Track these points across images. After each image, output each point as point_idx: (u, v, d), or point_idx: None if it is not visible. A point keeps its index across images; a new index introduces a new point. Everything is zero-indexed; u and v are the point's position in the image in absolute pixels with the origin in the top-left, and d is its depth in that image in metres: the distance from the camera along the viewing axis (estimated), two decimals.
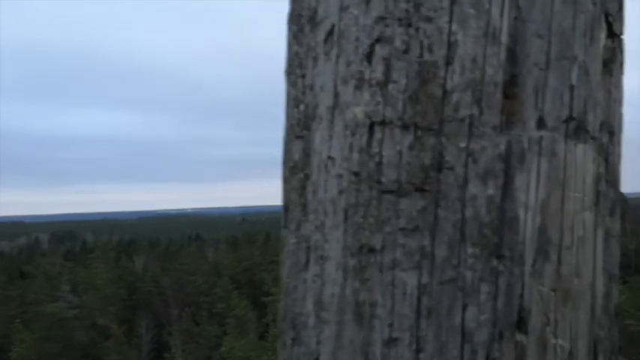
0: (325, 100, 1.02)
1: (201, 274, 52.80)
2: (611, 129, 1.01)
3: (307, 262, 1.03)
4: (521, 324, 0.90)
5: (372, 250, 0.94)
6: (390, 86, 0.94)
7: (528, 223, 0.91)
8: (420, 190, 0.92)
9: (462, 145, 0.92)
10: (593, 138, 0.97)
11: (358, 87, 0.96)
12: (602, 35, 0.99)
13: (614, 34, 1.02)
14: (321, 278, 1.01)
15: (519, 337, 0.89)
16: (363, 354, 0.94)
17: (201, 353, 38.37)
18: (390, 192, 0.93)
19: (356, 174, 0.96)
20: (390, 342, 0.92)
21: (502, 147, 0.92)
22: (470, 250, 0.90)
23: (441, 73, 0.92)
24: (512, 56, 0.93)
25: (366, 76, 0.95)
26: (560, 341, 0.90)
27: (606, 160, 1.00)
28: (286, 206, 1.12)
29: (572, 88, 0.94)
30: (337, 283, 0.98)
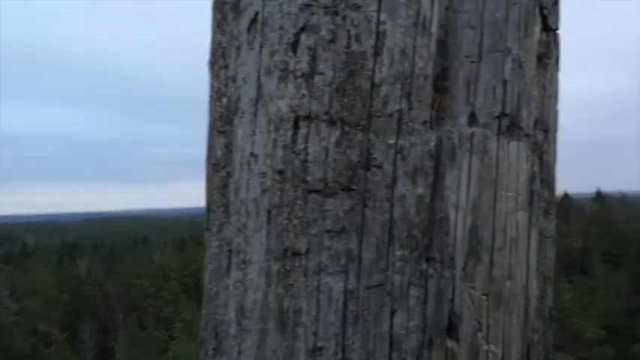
0: (248, 93, 0.95)
1: (148, 277, 51.77)
2: (546, 126, 0.98)
3: (229, 267, 0.96)
4: (451, 330, 0.85)
5: (296, 253, 0.88)
6: (316, 78, 0.88)
7: (459, 223, 0.86)
8: (347, 189, 0.86)
9: (391, 141, 0.87)
10: (527, 135, 0.93)
11: (282, 78, 0.90)
12: (537, 29, 0.95)
13: (550, 28, 0.99)
14: (243, 284, 0.94)
15: (450, 343, 0.85)
16: None
17: (147, 358, 37.57)
18: (316, 191, 0.87)
19: (280, 172, 0.89)
20: (315, 351, 0.86)
21: (432, 144, 0.87)
22: (398, 253, 0.85)
23: (369, 64, 0.87)
24: (443, 48, 0.88)
25: (291, 66, 0.89)
26: (492, 347, 0.86)
27: (541, 158, 0.96)
28: (208, 207, 1.04)
29: (505, 82, 0.90)
30: (260, 289, 0.91)
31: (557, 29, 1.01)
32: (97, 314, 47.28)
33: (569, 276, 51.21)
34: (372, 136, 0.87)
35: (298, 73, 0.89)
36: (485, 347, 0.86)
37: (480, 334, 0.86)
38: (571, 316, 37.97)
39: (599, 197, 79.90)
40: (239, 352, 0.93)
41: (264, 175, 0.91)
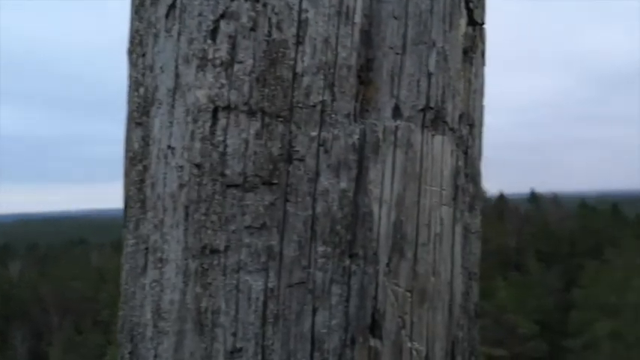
0: (166, 82, 0.90)
1: (85, 279, 50.21)
2: (471, 121, 0.98)
3: (145, 266, 0.91)
4: (375, 328, 0.83)
5: (215, 251, 0.84)
6: (236, 67, 0.84)
7: (383, 218, 0.84)
8: (268, 183, 0.83)
9: (314, 133, 0.84)
10: (451, 129, 0.92)
11: (201, 67, 0.86)
12: (463, 22, 0.95)
13: (476, 22, 0.98)
14: (160, 284, 0.89)
15: (373, 342, 0.83)
16: None
17: None
18: (235, 186, 0.83)
19: (198, 166, 0.85)
20: (234, 352, 0.82)
21: (356, 137, 0.85)
22: (321, 249, 0.83)
23: (291, 53, 0.84)
24: (367, 38, 0.86)
25: (210, 55, 0.85)
26: (415, 345, 0.85)
27: (465, 153, 0.96)
28: (126, 203, 0.99)
29: (429, 75, 0.89)
30: (177, 289, 0.86)
31: (483, 24, 1.01)
32: (31, 318, 45.49)
33: (504, 273, 52.73)
34: (293, 128, 0.84)
35: (217, 62, 0.85)
36: (409, 345, 0.84)
37: (403, 332, 0.84)
38: (506, 313, 39.11)
39: (534, 197, 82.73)
40: (155, 356, 0.88)
41: (181, 168, 0.86)
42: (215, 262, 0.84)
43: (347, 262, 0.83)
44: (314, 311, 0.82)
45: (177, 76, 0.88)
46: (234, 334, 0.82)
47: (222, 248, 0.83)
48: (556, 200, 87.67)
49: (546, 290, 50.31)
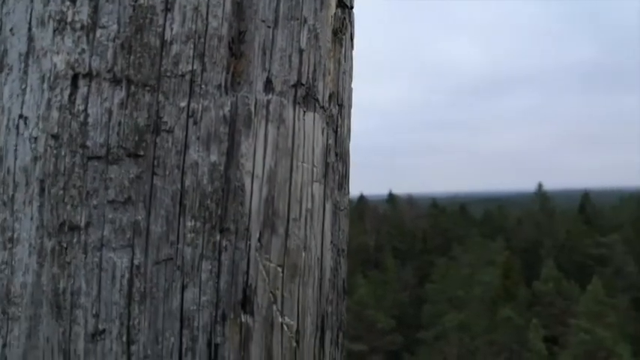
0: (17, 46, 0.82)
1: None
2: (341, 101, 0.99)
3: None
4: (246, 303, 0.81)
5: (74, 227, 0.78)
6: (99, 32, 0.79)
7: (255, 193, 0.83)
8: (134, 155, 0.79)
9: (182, 104, 0.81)
10: (322, 108, 0.93)
11: (59, 31, 0.79)
12: (333, 2, 0.96)
13: (345, 5, 1.01)
14: (10, 266, 0.81)
15: (244, 317, 0.81)
16: (63, 353, 0.77)
17: None
18: (97, 158, 0.78)
19: (55, 137, 0.79)
20: (96, 335, 0.77)
21: (227, 109, 0.83)
22: (190, 224, 0.80)
23: (159, 20, 0.80)
24: (240, 9, 0.84)
25: (69, 18, 0.79)
26: (287, 319, 0.84)
27: (335, 132, 0.97)
28: None
29: (301, 51, 0.89)
30: (30, 270, 0.79)
31: (352, 7, 1.04)
32: None
33: (364, 271, 54.86)
34: (161, 97, 0.80)
35: (77, 26, 0.79)
36: (280, 320, 0.84)
37: (275, 307, 0.83)
38: (366, 309, 40.73)
39: (391, 198, 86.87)
40: (4, 345, 0.80)
41: (35, 140, 0.79)
42: (75, 240, 0.78)
43: (217, 237, 0.81)
44: (183, 288, 0.79)
45: (30, 39, 0.81)
46: (96, 316, 0.77)
47: (82, 224, 0.78)
48: (411, 201, 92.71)
49: (402, 286, 53.06)
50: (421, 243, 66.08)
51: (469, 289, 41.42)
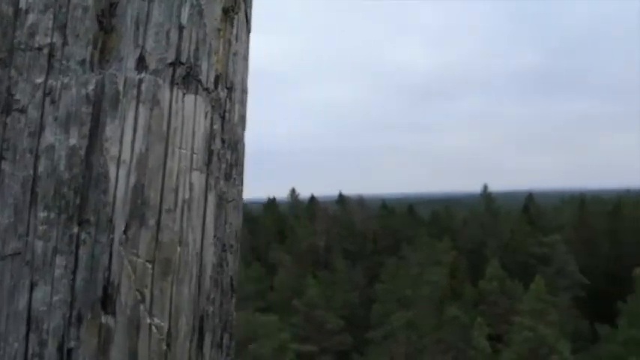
0: None
1: None
2: (231, 84, 0.92)
3: None
4: (107, 303, 0.73)
5: None
6: None
7: (121, 181, 0.75)
8: None
9: (39, 81, 0.72)
10: (206, 90, 0.85)
11: None
12: None
13: None
14: None
15: (105, 318, 0.73)
16: None
17: None
18: None
19: None
20: None
21: (91, 87, 0.74)
22: (42, 215, 0.71)
23: None
24: None
25: None
26: (156, 320, 0.76)
27: (223, 117, 0.90)
28: None
29: (181, 27, 0.82)
30: None
31: None
32: None
33: (314, 272, 54.86)
34: (13, 73, 0.71)
35: None
36: (148, 320, 0.75)
37: (142, 306, 0.75)
38: (315, 309, 40.68)
39: (341, 199, 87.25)
40: None
41: None
42: None
43: (75, 229, 0.72)
44: (32, 286, 0.70)
45: None
46: None
47: None
48: (361, 202, 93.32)
49: (352, 286, 53.30)
50: (371, 243, 66.59)
51: (417, 289, 41.96)
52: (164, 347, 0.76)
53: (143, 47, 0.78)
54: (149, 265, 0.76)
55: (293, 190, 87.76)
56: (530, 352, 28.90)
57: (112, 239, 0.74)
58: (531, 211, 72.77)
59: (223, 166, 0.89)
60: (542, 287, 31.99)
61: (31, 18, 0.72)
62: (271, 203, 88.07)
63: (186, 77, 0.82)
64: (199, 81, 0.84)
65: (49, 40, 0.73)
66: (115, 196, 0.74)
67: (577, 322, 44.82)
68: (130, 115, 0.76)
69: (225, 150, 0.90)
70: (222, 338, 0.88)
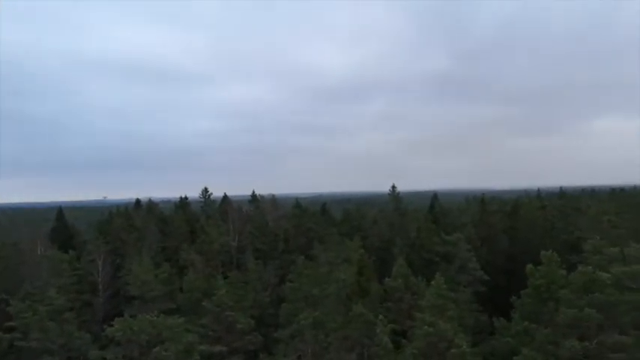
0: None
1: None
2: None
3: None
4: None
5: None
6: None
7: None
8: None
9: None
10: None
11: None
12: None
13: None
14: None
15: None
16: None
17: None
18: None
19: None
20: None
21: None
22: None
23: None
24: None
25: None
26: None
27: None
28: None
29: None
30: None
31: None
32: None
33: (226, 272, 54.41)
34: None
35: None
36: None
37: None
38: (225, 310, 40.43)
39: (254, 199, 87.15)
40: None
41: None
42: None
43: None
44: None
45: None
46: None
47: None
48: (274, 201, 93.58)
49: (263, 286, 53.39)
50: (283, 243, 66.91)
51: (326, 287, 42.71)
52: None
53: None
54: None
55: (205, 190, 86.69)
56: (430, 346, 30.15)
57: None
58: (436, 211, 75.76)
59: None
60: (442, 284, 33.45)
61: None
62: (183, 203, 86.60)
63: None
64: None
65: None
66: None
67: (477, 316, 47.14)
68: None
69: None
70: None
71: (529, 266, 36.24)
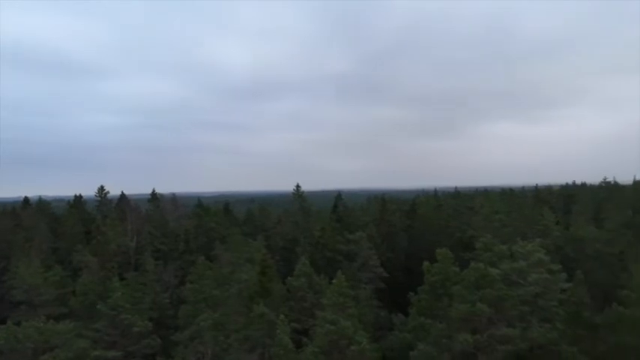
0: None
1: None
2: None
3: None
4: None
5: None
6: None
7: None
8: None
9: None
10: None
11: None
12: None
13: None
14: None
15: None
16: None
17: None
18: None
19: None
20: None
21: None
22: None
23: None
24: None
25: None
26: None
27: None
28: None
29: None
30: None
31: None
32: None
33: (123, 274, 52.36)
34: None
35: None
36: None
37: None
38: (121, 313, 38.84)
39: (154, 198, 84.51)
40: None
41: None
42: None
43: None
44: None
45: None
46: None
47: None
48: (175, 200, 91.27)
49: (163, 287, 51.83)
50: (184, 243, 65.33)
51: (227, 288, 42.12)
52: None
53: None
54: None
55: (101, 188, 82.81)
56: (331, 344, 30.40)
57: None
58: (340, 210, 76.79)
59: None
60: (343, 282, 33.83)
61: None
62: (77, 202, 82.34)
63: None
64: None
65: None
66: None
67: (378, 312, 48.24)
68: None
69: None
70: None
71: (425, 263, 37.52)
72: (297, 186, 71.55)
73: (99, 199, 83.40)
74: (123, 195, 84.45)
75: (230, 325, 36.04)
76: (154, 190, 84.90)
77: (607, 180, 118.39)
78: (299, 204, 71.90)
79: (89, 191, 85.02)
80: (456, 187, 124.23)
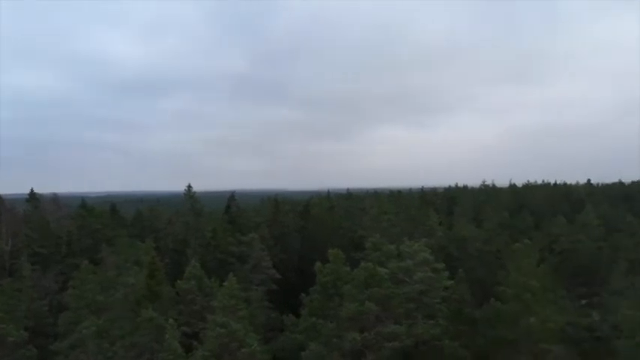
0: None
1: None
2: None
3: None
4: None
5: None
6: None
7: None
8: None
9: None
10: None
11: None
12: None
13: None
14: None
15: None
16: None
17: None
18: None
19: None
20: None
21: None
22: None
23: None
24: None
25: None
26: None
27: None
28: None
29: None
30: None
31: None
32: None
33: None
34: None
35: None
36: None
37: None
38: None
39: (33, 198, 79.17)
40: None
41: None
42: None
43: None
44: None
45: None
46: None
47: None
48: (56, 201, 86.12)
49: (41, 294, 48.70)
50: (66, 246, 61.74)
51: (113, 293, 40.25)
52: None
53: None
54: None
55: None
56: (222, 347, 29.83)
57: None
58: (233, 211, 75.85)
59: None
60: (234, 284, 33.30)
61: None
62: None
63: None
64: None
65: None
66: None
67: (269, 314, 48.08)
68: None
69: None
70: None
71: (318, 264, 37.84)
72: (189, 186, 69.67)
73: None
74: None
75: (115, 332, 34.41)
76: (32, 190, 79.44)
77: (486, 183, 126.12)
78: (190, 204, 70.02)
79: None
80: (348, 189, 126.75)
